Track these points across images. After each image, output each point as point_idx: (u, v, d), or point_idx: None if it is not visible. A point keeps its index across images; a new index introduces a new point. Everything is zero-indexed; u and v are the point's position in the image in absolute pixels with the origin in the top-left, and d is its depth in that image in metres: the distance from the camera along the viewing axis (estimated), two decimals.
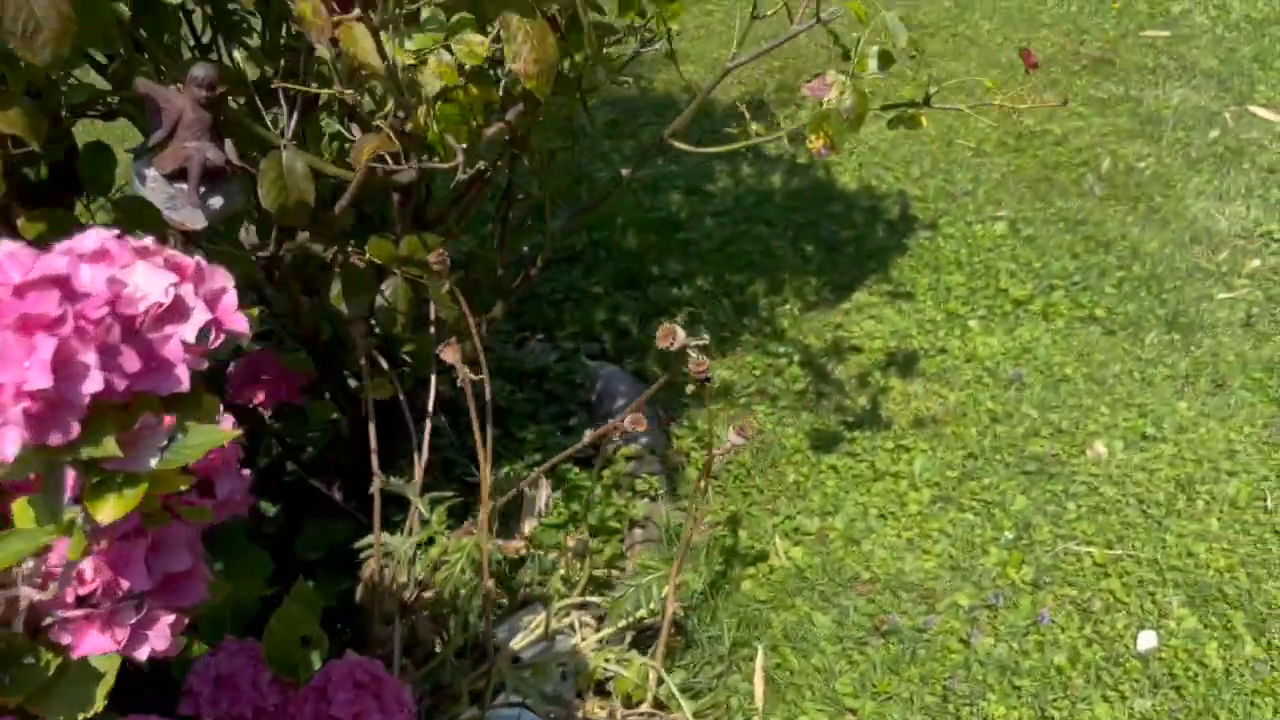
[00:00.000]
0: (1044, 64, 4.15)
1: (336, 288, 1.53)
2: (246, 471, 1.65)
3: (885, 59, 1.68)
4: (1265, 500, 2.32)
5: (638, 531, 2.31)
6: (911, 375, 2.71)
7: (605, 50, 1.81)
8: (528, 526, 2.29)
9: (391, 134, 1.36)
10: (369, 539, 1.81)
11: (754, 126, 1.82)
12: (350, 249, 1.55)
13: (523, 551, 1.71)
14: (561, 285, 3.01)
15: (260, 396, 1.93)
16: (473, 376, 1.47)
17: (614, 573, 2.23)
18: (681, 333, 1.34)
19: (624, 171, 2.02)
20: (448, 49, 1.20)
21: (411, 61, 1.19)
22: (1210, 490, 2.35)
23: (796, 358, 2.77)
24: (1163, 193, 3.41)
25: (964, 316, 2.91)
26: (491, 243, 2.18)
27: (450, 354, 1.44)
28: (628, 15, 1.85)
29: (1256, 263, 3.08)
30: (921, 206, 3.37)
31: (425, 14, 1.20)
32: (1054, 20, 4.46)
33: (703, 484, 1.69)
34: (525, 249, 2.83)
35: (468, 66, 1.22)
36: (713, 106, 4.00)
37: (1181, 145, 3.63)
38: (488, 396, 1.59)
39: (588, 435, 1.76)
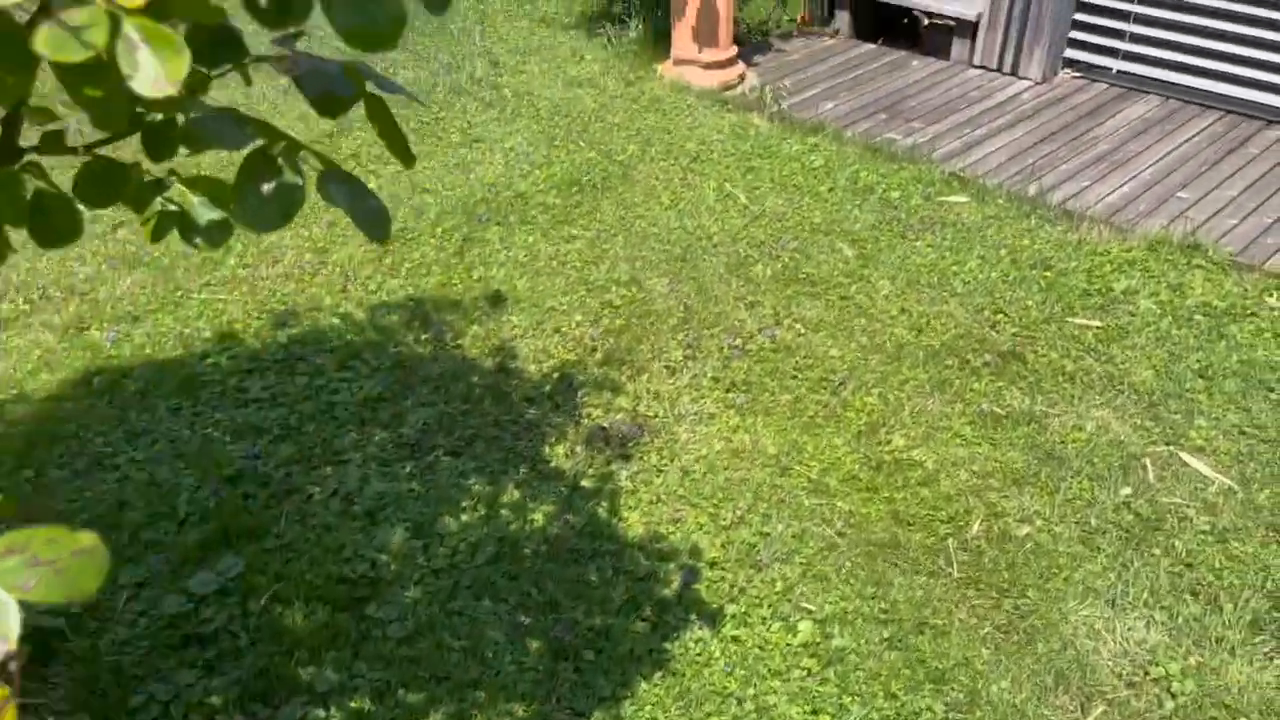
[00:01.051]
0: (940, 353, 3.35)
1: None
2: None
3: None
4: None
5: None
6: None
7: None
8: None
9: None
10: None
11: None
12: None
13: None
14: (165, 690, 2.21)
15: None
16: None
17: None
18: None
19: None
20: None
21: None
22: None
23: None
24: (1040, 584, 2.56)
25: None
26: None
27: None
28: None
29: None
30: (712, 580, 2.55)
31: None
32: (968, 289, 3.66)
33: None
34: None
35: None
36: (517, 378, 3.23)
37: (1082, 504, 2.78)
38: None
39: None
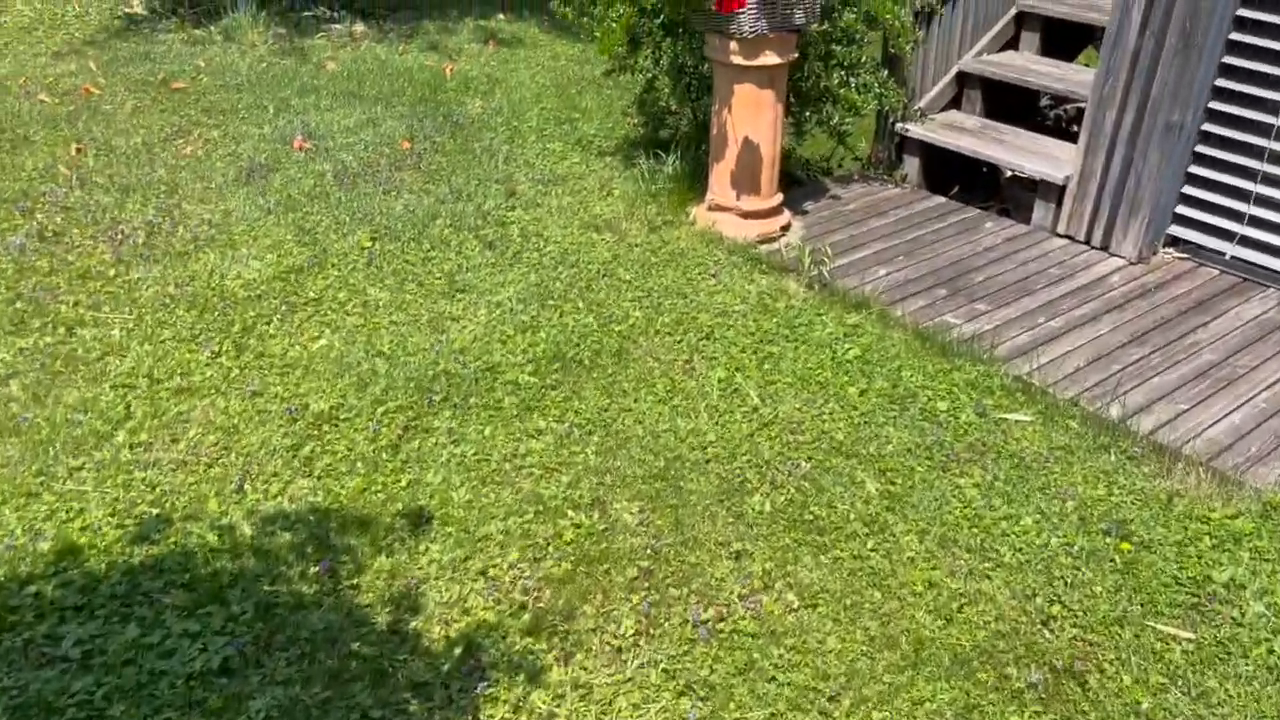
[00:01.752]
0: (971, 660, 2.52)
1: None
2: None
3: None
4: None
5: None
6: None
7: None
8: None
9: None
10: None
11: None
12: None
13: None
14: None
15: None
16: None
17: None
18: None
19: None
20: None
21: None
22: None
23: None
24: None
25: None
26: None
27: None
28: None
29: None
30: None
31: None
32: (1020, 559, 2.83)
33: None
34: None
35: None
36: (411, 647, 2.50)
37: None
38: None
39: None
